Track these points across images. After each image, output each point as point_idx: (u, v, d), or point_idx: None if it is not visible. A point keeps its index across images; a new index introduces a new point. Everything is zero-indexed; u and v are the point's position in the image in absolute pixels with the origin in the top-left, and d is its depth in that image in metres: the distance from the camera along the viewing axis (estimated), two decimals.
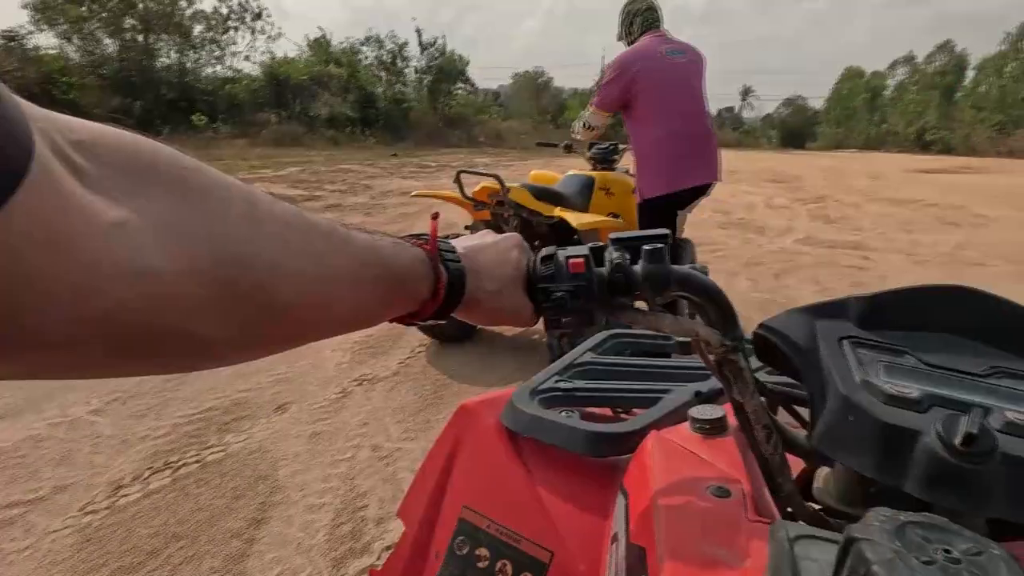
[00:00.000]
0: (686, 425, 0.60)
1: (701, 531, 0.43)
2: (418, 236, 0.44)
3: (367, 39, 28.09)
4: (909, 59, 43.19)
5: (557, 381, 0.77)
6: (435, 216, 0.47)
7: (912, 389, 0.39)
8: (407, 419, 2.26)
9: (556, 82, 44.71)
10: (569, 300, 0.47)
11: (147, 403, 2.31)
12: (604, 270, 0.48)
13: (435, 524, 0.69)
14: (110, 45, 20.90)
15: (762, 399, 0.49)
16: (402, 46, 27.79)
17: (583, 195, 3.01)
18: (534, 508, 0.61)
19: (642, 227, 2.82)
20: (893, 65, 44.76)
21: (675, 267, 0.48)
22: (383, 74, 27.83)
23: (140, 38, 21.58)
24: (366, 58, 27.86)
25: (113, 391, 2.38)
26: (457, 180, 2.85)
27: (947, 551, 0.26)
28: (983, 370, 0.41)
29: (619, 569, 0.49)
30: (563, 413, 0.69)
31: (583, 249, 0.48)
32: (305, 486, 1.84)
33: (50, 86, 16.63)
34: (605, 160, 3.33)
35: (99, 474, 1.86)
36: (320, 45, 27.41)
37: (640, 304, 0.50)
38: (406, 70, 28.32)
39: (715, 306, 0.47)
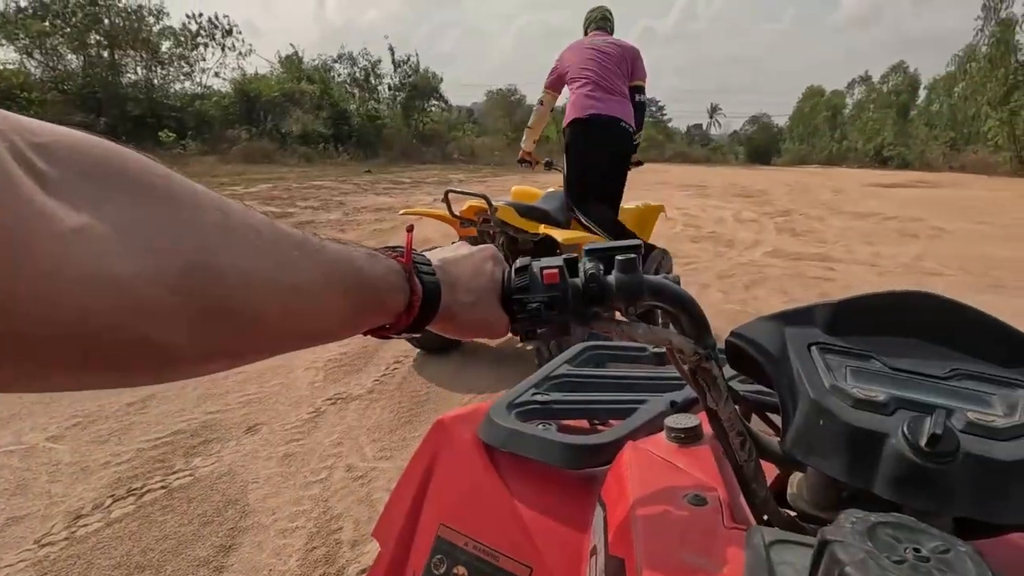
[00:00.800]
0: (662, 435, 0.60)
1: (679, 540, 0.44)
2: (393, 248, 0.44)
3: (340, 56, 28.07)
4: (866, 79, 45.10)
5: (534, 394, 0.76)
6: (410, 229, 0.46)
7: (878, 392, 0.40)
8: (383, 438, 2.22)
9: (529, 99, 45.29)
10: (544, 311, 0.47)
11: (109, 427, 2.22)
12: (578, 281, 0.48)
13: (412, 543, 0.67)
14: (74, 61, 20.44)
15: (736, 407, 0.49)
16: (375, 63, 27.84)
17: (564, 211, 3.12)
18: (512, 523, 0.61)
19: (571, 155, 3.10)
20: (851, 85, 46.67)
21: (648, 277, 0.48)
22: (356, 91, 27.79)
23: (105, 54, 21.14)
24: (339, 75, 27.82)
25: (73, 415, 2.29)
26: (445, 199, 2.90)
27: (916, 550, 0.27)
28: (945, 372, 0.43)
29: None
30: (540, 426, 0.69)
31: (557, 260, 0.49)
32: (277, 510, 1.78)
33: (9, 101, 16.12)
34: None
35: (57, 504, 1.77)
36: (292, 62, 27.27)
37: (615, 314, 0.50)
38: (379, 87, 28.35)
39: (688, 315, 0.48)
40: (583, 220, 3.02)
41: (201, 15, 24.17)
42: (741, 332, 0.47)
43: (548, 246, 2.78)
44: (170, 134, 18.89)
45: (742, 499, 0.51)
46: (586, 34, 3.44)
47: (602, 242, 0.51)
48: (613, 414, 0.73)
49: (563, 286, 0.47)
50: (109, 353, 0.22)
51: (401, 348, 3.13)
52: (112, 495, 1.82)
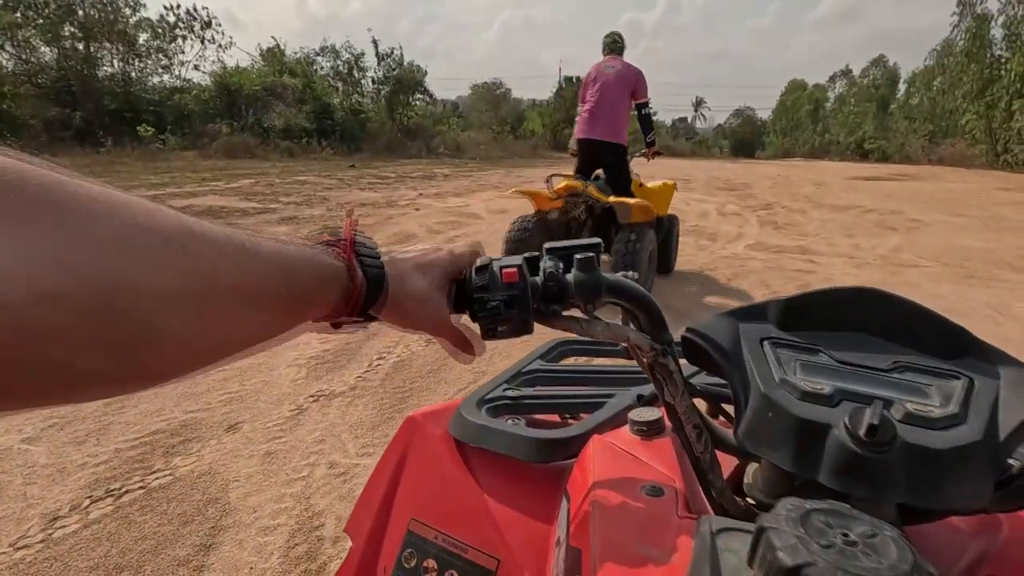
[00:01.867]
0: (626, 428, 0.61)
1: (634, 531, 0.45)
2: (335, 237, 0.44)
3: (322, 49, 27.67)
4: (846, 72, 45.62)
5: (505, 390, 0.77)
6: (350, 214, 0.46)
7: (824, 385, 0.42)
8: (365, 434, 2.22)
9: (514, 93, 45.20)
10: (503, 309, 0.47)
11: (86, 428, 2.19)
12: (538, 279, 0.49)
13: (383, 538, 0.68)
14: (47, 53, 19.91)
15: (692, 400, 0.51)
16: (358, 56, 27.50)
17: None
18: (481, 517, 0.62)
19: (583, 163, 4.20)
20: (832, 78, 47.18)
21: (606, 275, 0.49)
22: (340, 85, 27.46)
23: (80, 46, 20.62)
24: (322, 68, 27.44)
25: (49, 417, 2.25)
26: (548, 181, 4.10)
27: (845, 535, 0.28)
28: (888, 365, 0.44)
29: (560, 572, 0.50)
30: (510, 421, 0.70)
31: (517, 259, 0.49)
32: (258, 508, 1.78)
33: None
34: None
35: (33, 506, 1.75)
36: (273, 55, 26.83)
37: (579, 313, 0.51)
38: (363, 81, 28.03)
39: (645, 313, 0.49)
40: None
41: (179, 6, 23.46)
42: (697, 328, 0.48)
43: (610, 212, 3.95)
44: (149, 128, 18.50)
45: (699, 489, 0.53)
46: (603, 55, 4.40)
47: (561, 242, 0.52)
48: (583, 408, 0.74)
49: (522, 284, 0.47)
50: (10, 377, 0.22)
51: (384, 344, 3.12)
52: (90, 496, 1.80)
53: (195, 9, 24.29)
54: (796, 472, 0.41)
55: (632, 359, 0.87)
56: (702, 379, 0.70)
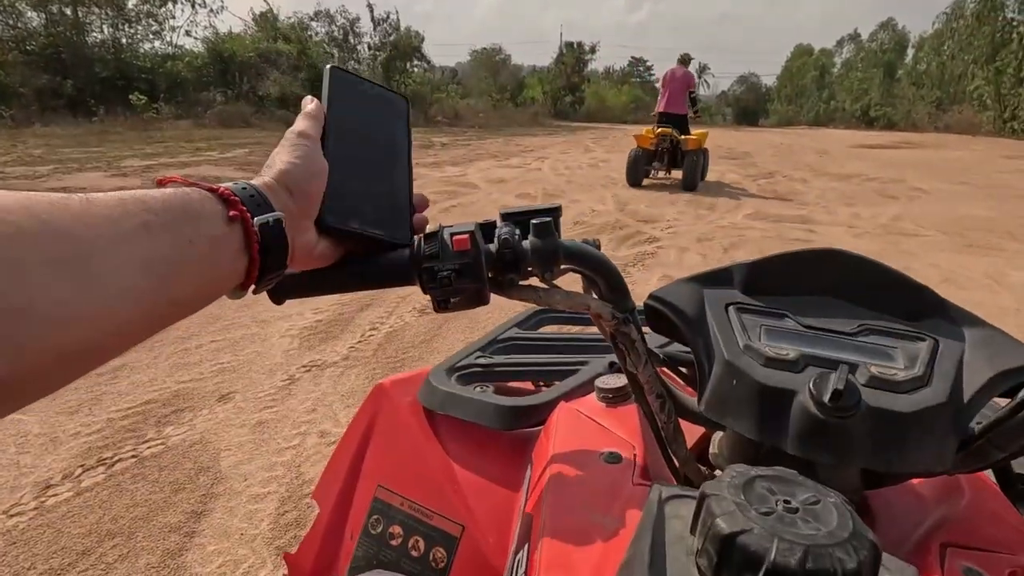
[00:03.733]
0: (593, 395, 0.60)
1: (585, 497, 0.44)
2: (212, 188, 0.37)
3: (317, 14, 26.99)
4: (854, 37, 44.49)
5: (477, 357, 0.76)
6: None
7: (789, 350, 0.41)
8: (356, 403, 2.23)
9: (515, 59, 44.24)
10: (455, 279, 0.44)
11: (79, 398, 2.20)
12: (492, 246, 0.46)
13: (350, 505, 0.68)
14: (35, 19, 19.39)
15: (655, 369, 0.49)
16: (353, 22, 26.85)
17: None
18: (447, 484, 0.62)
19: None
20: (840, 43, 46.03)
21: (564, 241, 0.47)
22: (335, 51, 26.86)
23: (68, 11, 20.08)
24: (316, 34, 26.80)
25: None
26: (652, 126, 7.89)
27: (787, 502, 0.28)
28: (854, 328, 0.44)
29: (517, 538, 0.50)
30: (478, 388, 0.69)
31: (469, 225, 0.47)
32: (249, 476, 1.80)
33: None
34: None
35: (25, 475, 1.77)
36: (267, 20, 26.16)
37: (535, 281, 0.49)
38: (358, 47, 27.42)
39: (605, 279, 0.47)
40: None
41: None
42: (659, 295, 0.47)
43: (678, 145, 7.65)
44: (141, 97, 18.17)
45: (659, 456, 0.52)
46: (676, 64, 8.11)
47: (518, 207, 0.49)
48: (556, 376, 0.73)
49: (475, 252, 0.45)
50: None
51: (377, 314, 3.12)
52: (82, 465, 1.82)
53: None
54: (760, 440, 0.40)
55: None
56: (668, 347, 0.73)
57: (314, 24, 26.77)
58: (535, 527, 0.44)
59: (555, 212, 0.48)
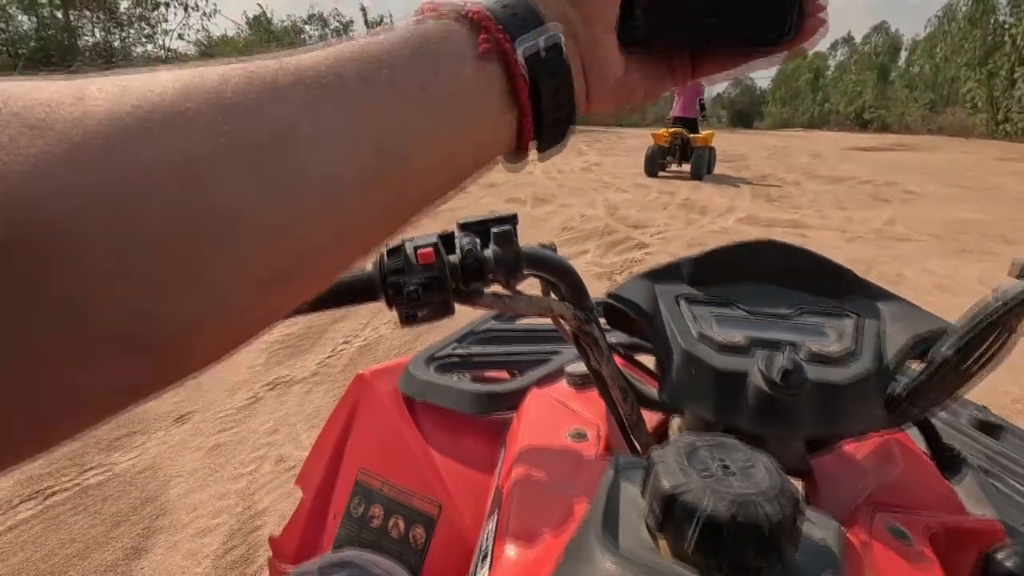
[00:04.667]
0: (564, 380, 0.64)
1: (551, 470, 0.48)
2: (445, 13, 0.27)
3: (310, 17, 26.96)
4: (848, 40, 44.70)
5: (455, 348, 0.80)
6: None
7: (739, 336, 0.45)
8: (321, 424, 2.12)
9: None
10: (422, 293, 0.44)
11: None
12: (455, 257, 0.46)
13: (333, 489, 0.71)
14: (25, 22, 19.25)
15: (616, 364, 0.52)
16: (347, 25, 26.82)
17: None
18: (425, 467, 0.65)
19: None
20: (834, 45, 46.24)
21: (525, 247, 0.48)
22: None
23: (59, 14, 19.95)
24: (310, 37, 26.74)
25: None
26: (668, 130, 8.95)
27: (724, 464, 0.31)
28: (792, 311, 0.48)
29: (488, 511, 0.53)
30: (455, 377, 0.73)
31: (431, 238, 0.46)
32: (198, 506, 1.68)
33: None
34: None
35: None
36: (260, 23, 26.10)
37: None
38: None
39: (566, 282, 0.50)
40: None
41: None
42: (616, 292, 0.50)
43: (689, 142, 8.91)
44: None
45: (619, 435, 0.55)
46: None
47: (474, 217, 0.50)
48: (531, 365, 0.76)
49: (439, 264, 0.44)
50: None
51: (351, 326, 3.01)
52: (18, 495, 1.70)
53: None
54: (718, 421, 0.43)
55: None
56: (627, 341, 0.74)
57: (307, 27, 26.75)
58: (504, 499, 0.47)
59: (512, 220, 0.49)
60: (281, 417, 2.17)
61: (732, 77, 0.35)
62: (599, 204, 6.63)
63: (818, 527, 0.32)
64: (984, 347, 0.42)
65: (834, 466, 0.52)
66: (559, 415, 0.57)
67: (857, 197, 7.76)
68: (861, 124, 36.42)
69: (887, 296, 0.49)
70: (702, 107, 9.69)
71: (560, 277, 0.49)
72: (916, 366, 0.44)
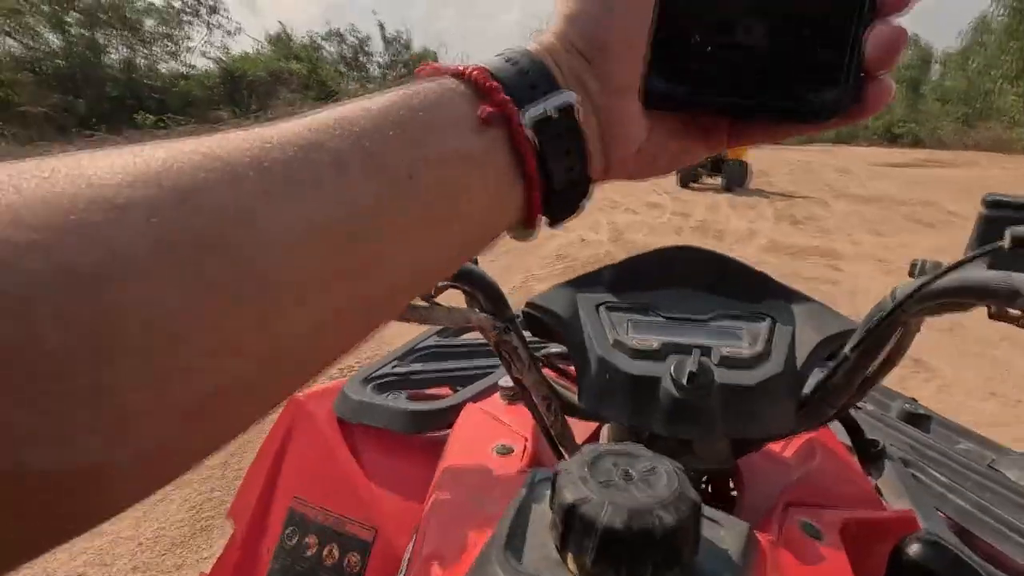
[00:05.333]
0: (497, 395, 0.63)
1: (472, 487, 0.48)
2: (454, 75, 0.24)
3: (328, 34, 27.20)
4: None
5: (394, 366, 0.79)
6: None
7: (653, 341, 0.46)
8: (166, 554, 1.61)
9: None
10: None
11: None
12: None
13: (267, 520, 0.69)
14: (53, 41, 19.64)
15: (540, 373, 0.51)
16: (364, 41, 26.98)
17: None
18: (361, 491, 0.64)
19: None
20: None
21: None
22: (344, 70, 26.97)
23: (85, 32, 20.36)
24: (329, 54, 26.96)
25: None
26: None
27: (626, 472, 0.30)
28: (708, 315, 0.50)
29: (414, 534, 0.52)
30: (390, 396, 0.73)
31: None
32: None
33: None
34: None
35: None
36: (280, 41, 26.39)
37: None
38: (368, 66, 27.51)
39: (484, 293, 0.49)
40: None
41: None
42: (536, 301, 0.51)
43: (721, 155, 6.96)
44: (148, 116, 18.18)
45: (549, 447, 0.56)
46: None
47: None
48: (470, 380, 0.76)
49: None
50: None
51: None
52: None
53: None
54: (632, 425, 0.45)
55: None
56: (550, 350, 0.69)
57: (326, 44, 26.95)
58: (423, 519, 0.47)
59: None
60: (99, 550, 1.66)
61: (779, 142, 0.31)
62: (603, 227, 6.07)
63: (725, 530, 0.32)
64: (884, 345, 0.43)
65: (760, 464, 0.53)
66: (489, 430, 0.56)
67: (893, 220, 7.07)
68: (890, 138, 35.35)
69: (801, 298, 0.50)
70: None
71: (479, 288, 0.49)
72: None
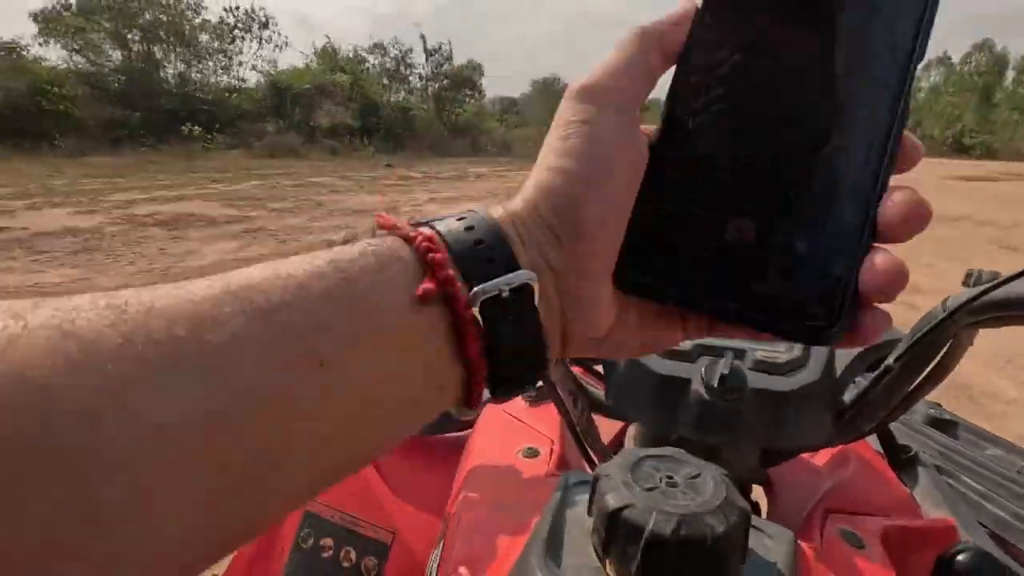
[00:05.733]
0: (520, 396, 0.62)
1: (500, 490, 0.46)
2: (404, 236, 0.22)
3: (373, 47, 27.55)
4: (944, 60, 40.99)
5: None
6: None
7: (686, 342, 0.45)
8: None
9: None
10: None
11: None
12: None
13: (280, 522, 0.68)
14: (115, 57, 20.58)
15: (568, 368, 0.50)
16: (406, 53, 27.18)
17: None
18: (378, 492, 0.63)
19: None
20: (927, 66, 42.58)
21: None
22: (386, 81, 27.23)
23: (143, 47, 21.26)
24: (373, 66, 27.29)
25: None
26: None
27: (670, 477, 0.29)
28: None
29: (439, 538, 0.51)
30: None
31: None
32: None
33: (39, 97, 16.18)
34: None
35: None
36: (327, 53, 26.91)
37: None
38: (410, 77, 27.69)
39: None
40: None
41: (238, 8, 24.00)
42: None
43: None
44: (195, 128, 18.66)
45: (576, 450, 0.54)
46: None
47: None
48: None
49: None
50: None
51: None
52: None
53: (252, 10, 24.74)
54: (658, 426, 0.44)
55: None
56: None
57: (370, 56, 27.30)
58: (451, 521, 0.46)
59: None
60: None
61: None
62: None
63: (771, 539, 0.32)
64: (931, 358, 0.41)
65: (792, 473, 0.52)
66: (513, 431, 0.56)
67: (977, 245, 6.16)
68: (959, 150, 32.99)
69: None
70: None
71: None
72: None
